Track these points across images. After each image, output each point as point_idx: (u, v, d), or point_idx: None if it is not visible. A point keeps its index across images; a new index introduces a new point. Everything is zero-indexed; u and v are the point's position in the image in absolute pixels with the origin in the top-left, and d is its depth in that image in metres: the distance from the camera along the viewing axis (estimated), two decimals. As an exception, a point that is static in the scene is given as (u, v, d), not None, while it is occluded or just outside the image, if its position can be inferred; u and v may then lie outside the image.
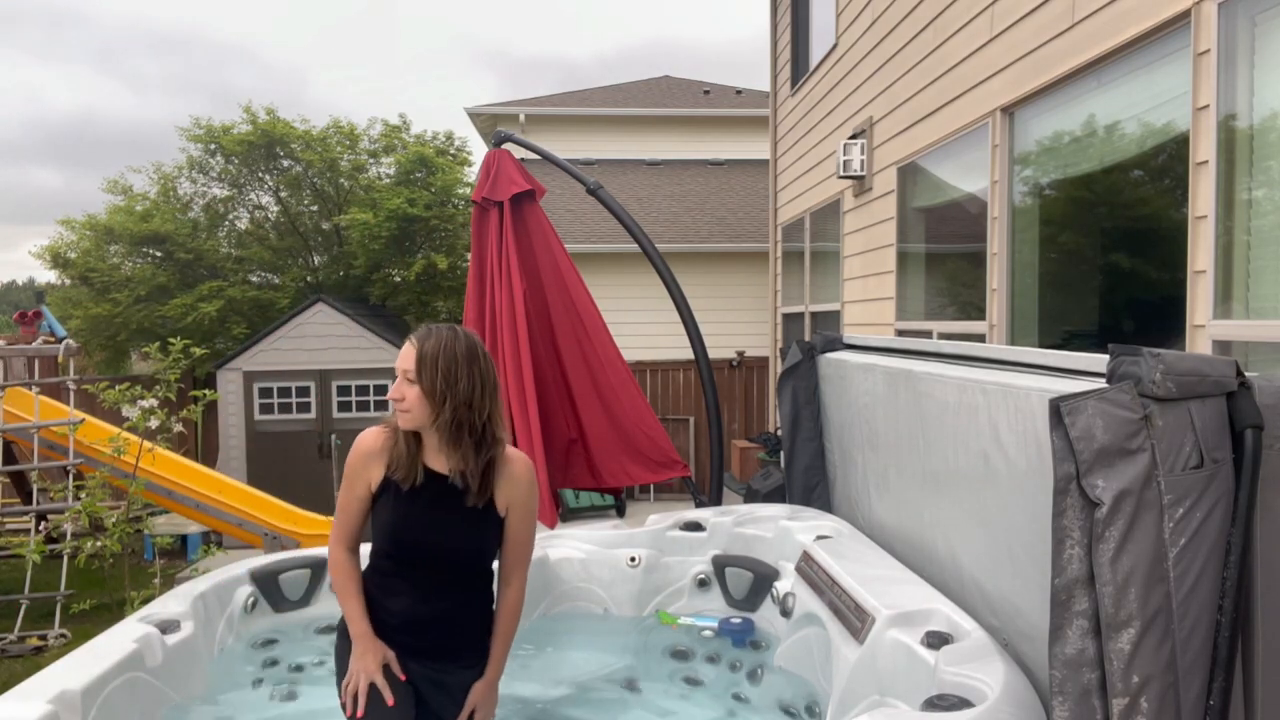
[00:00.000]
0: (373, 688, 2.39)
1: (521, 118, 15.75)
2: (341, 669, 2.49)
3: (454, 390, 2.32)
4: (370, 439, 2.47)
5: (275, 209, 16.05)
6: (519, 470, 2.49)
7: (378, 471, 2.45)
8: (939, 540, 2.90)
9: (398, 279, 15.33)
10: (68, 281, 15.36)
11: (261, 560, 3.53)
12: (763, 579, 3.54)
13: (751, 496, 4.95)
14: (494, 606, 2.58)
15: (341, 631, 2.52)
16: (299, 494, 8.59)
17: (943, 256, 6.38)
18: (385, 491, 2.44)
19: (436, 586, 2.47)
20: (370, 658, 2.40)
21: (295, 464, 10.16)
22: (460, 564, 2.49)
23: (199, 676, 2.96)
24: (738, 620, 3.49)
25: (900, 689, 2.36)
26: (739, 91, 17.27)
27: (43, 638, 6.56)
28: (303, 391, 10.38)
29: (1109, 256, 4.52)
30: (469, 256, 5.62)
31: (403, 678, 2.45)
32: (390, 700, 2.37)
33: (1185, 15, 3.60)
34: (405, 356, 2.36)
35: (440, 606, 2.47)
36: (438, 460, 2.43)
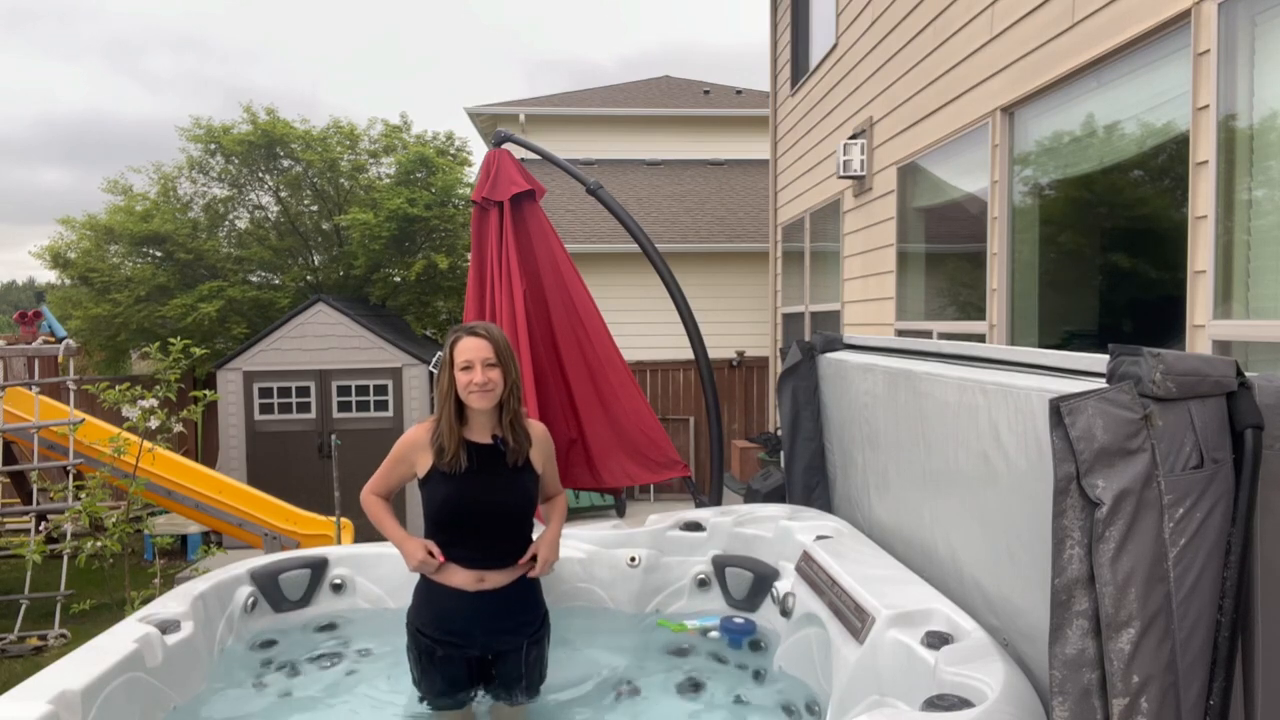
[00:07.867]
0: (432, 673, 2.89)
1: (521, 118, 15.75)
2: (413, 645, 2.93)
3: (514, 368, 2.89)
4: (418, 433, 2.93)
5: (275, 209, 16.01)
6: (540, 433, 3.03)
7: (425, 460, 2.87)
8: (939, 540, 2.90)
9: (398, 279, 15.30)
10: (68, 281, 15.32)
11: (261, 560, 3.54)
12: (763, 579, 3.54)
13: (751, 496, 4.95)
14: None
15: (409, 629, 2.94)
16: (299, 494, 8.59)
17: (943, 256, 6.38)
18: (438, 472, 2.84)
19: (494, 543, 2.89)
20: (417, 543, 2.89)
21: (295, 464, 10.14)
22: (512, 516, 2.92)
23: (199, 676, 2.96)
24: (739, 620, 3.49)
25: (900, 689, 2.36)
26: (739, 91, 17.27)
27: (43, 638, 6.56)
28: (303, 391, 10.36)
29: (1109, 256, 4.52)
30: (469, 256, 5.61)
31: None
32: (440, 557, 2.86)
33: (1185, 15, 3.60)
34: (482, 348, 2.81)
35: (500, 561, 2.90)
36: (481, 433, 2.89)
